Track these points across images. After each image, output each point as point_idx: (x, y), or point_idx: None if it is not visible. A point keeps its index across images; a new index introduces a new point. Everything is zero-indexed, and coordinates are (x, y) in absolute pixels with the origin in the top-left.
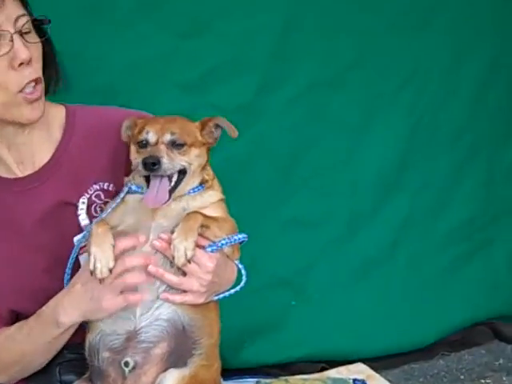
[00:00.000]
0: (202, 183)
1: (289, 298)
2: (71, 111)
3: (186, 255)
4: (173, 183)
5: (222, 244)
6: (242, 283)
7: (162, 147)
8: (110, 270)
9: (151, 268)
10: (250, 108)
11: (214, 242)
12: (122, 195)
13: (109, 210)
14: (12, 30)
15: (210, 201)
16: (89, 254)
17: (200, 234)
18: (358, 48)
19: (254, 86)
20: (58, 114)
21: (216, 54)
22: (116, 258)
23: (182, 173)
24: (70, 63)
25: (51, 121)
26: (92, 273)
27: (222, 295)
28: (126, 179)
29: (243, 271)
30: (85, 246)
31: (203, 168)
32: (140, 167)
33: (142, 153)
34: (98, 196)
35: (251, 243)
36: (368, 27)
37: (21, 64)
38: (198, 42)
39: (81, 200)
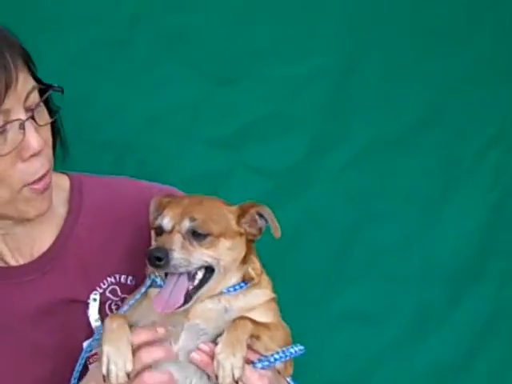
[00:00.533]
0: (246, 280)
1: None
2: (76, 182)
3: (233, 375)
4: (197, 282)
5: (275, 359)
6: None
7: (177, 237)
8: (128, 375)
9: None
10: (299, 172)
11: (266, 357)
12: (143, 289)
13: (126, 307)
14: (23, 117)
15: (257, 302)
16: (101, 354)
17: (248, 346)
18: (430, 100)
19: (303, 144)
20: (60, 185)
21: (256, 105)
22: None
23: (209, 270)
24: (76, 113)
25: (53, 196)
26: (105, 378)
27: None
28: (149, 270)
29: None
30: (96, 354)
31: (244, 262)
32: (147, 261)
33: (157, 242)
34: (113, 291)
35: (299, 340)
36: (443, 75)
37: (32, 155)
38: (233, 90)
39: (92, 296)
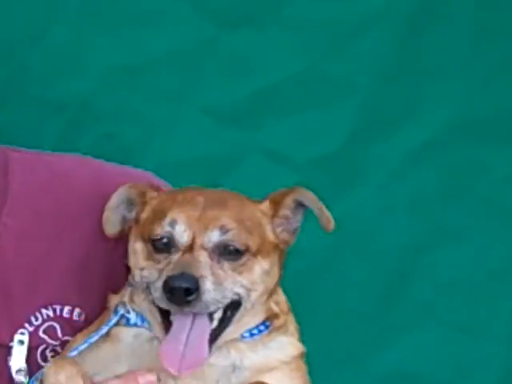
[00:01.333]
0: (268, 319)
1: None
2: (1, 159)
3: None
4: (215, 323)
5: None
6: None
7: (204, 257)
8: None
9: None
10: (336, 164)
11: None
12: (105, 328)
13: (74, 352)
14: None
15: (281, 358)
16: None
17: None
18: None
19: (345, 124)
20: None
21: (280, 61)
22: None
23: (234, 306)
24: (13, 59)
25: None
26: None
27: None
28: (114, 300)
29: None
30: None
31: (271, 293)
32: (158, 293)
33: (160, 262)
34: (50, 331)
35: None
36: None
37: None
38: (247, 36)
39: (16, 337)
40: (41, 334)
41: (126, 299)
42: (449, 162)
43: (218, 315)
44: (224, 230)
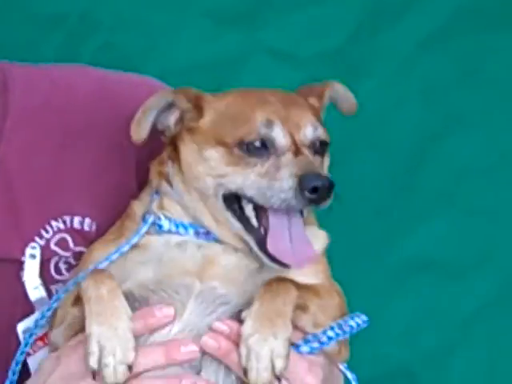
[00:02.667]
0: None
1: None
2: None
3: (273, 367)
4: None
5: (330, 338)
6: None
7: (311, 156)
8: (130, 368)
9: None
10: (342, 57)
11: (315, 335)
12: (135, 237)
13: (112, 257)
14: None
15: None
16: (88, 340)
17: (292, 322)
18: None
19: (349, 16)
20: None
21: None
22: None
23: None
24: None
25: None
26: (95, 375)
27: None
28: (137, 207)
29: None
30: (40, 339)
31: None
32: (288, 194)
33: (256, 165)
34: (61, 243)
35: (352, 306)
36: None
37: None
38: None
39: (28, 251)
40: (52, 246)
41: (154, 207)
42: (458, 48)
43: (306, 212)
44: (314, 126)
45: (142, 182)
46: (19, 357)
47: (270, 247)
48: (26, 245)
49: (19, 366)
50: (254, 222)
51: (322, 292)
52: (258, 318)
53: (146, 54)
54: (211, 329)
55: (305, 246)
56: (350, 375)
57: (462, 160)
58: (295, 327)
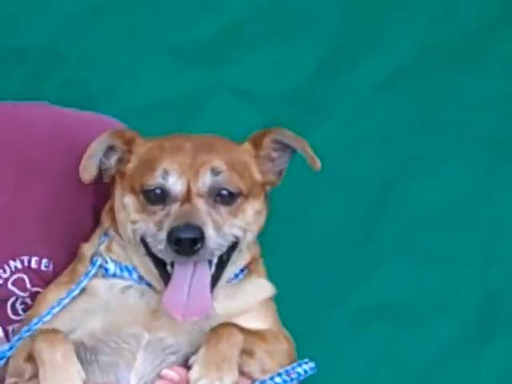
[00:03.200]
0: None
1: None
2: None
3: None
4: (213, 269)
5: None
6: None
7: (202, 205)
8: None
9: None
10: (305, 98)
11: (263, 382)
12: (84, 280)
13: (56, 308)
14: None
15: (256, 300)
16: None
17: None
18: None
19: (313, 56)
20: None
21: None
22: None
23: (231, 249)
24: None
25: None
26: None
27: None
28: (86, 249)
29: None
30: None
31: None
32: (162, 245)
33: (156, 214)
34: (19, 282)
35: (306, 352)
36: None
37: None
38: None
39: None
40: (10, 286)
41: (102, 248)
42: (417, 91)
43: (214, 260)
44: (215, 171)
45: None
46: None
47: (164, 298)
48: None
49: None
50: (169, 268)
51: (269, 337)
52: (204, 362)
53: (110, 91)
54: (160, 376)
55: (201, 299)
56: None
57: (421, 204)
58: (243, 374)
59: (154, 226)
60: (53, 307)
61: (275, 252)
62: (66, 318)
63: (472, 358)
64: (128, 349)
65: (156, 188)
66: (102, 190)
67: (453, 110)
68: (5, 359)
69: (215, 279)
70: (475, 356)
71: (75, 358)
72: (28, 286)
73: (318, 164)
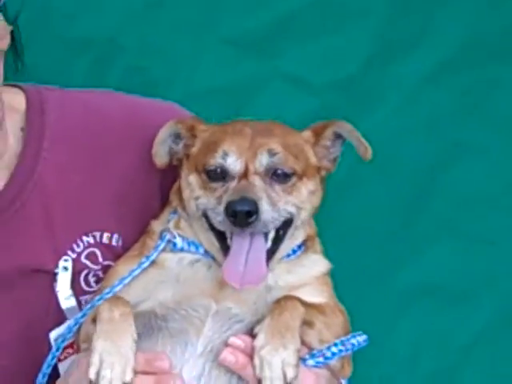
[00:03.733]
0: (303, 241)
1: None
2: (36, 98)
3: (284, 376)
4: (269, 243)
5: (334, 354)
6: None
7: (259, 181)
8: None
9: None
10: (356, 86)
11: (320, 351)
12: (153, 254)
13: (127, 279)
14: None
15: (312, 274)
16: (92, 353)
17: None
18: None
19: (363, 47)
20: (12, 105)
21: None
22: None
23: (286, 224)
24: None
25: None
26: None
27: None
28: (156, 226)
29: None
30: (69, 347)
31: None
32: (220, 217)
33: (217, 190)
34: (91, 256)
35: (356, 327)
36: None
37: None
38: None
39: (61, 264)
40: (83, 259)
41: (170, 225)
42: (463, 81)
43: (271, 235)
44: (272, 153)
45: (166, 202)
46: (50, 361)
47: (223, 267)
48: (59, 258)
49: (50, 369)
50: (229, 242)
51: (327, 310)
52: (268, 331)
53: (169, 79)
54: (227, 344)
55: (257, 269)
56: None
57: (465, 189)
58: (302, 343)
59: (214, 200)
60: (124, 278)
61: (329, 234)
62: (138, 288)
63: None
64: (197, 317)
65: (216, 167)
66: (169, 172)
67: (497, 99)
68: (78, 325)
69: (272, 252)
70: None
71: (132, 320)
72: (100, 259)
73: (369, 154)
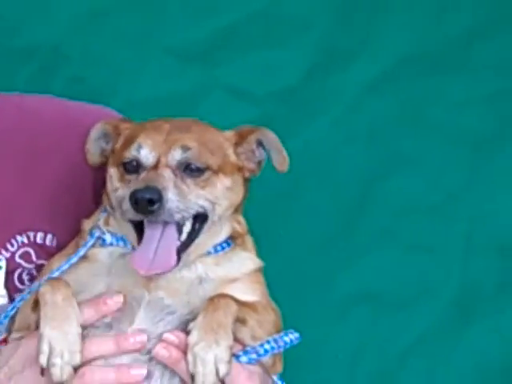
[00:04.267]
0: (231, 238)
1: None
2: None
3: (217, 372)
4: (184, 236)
5: (266, 351)
6: None
7: (167, 173)
8: (76, 369)
9: None
10: (296, 96)
11: (253, 348)
12: (82, 250)
13: (63, 267)
14: None
15: (243, 270)
16: (40, 340)
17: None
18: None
19: (304, 57)
20: None
21: (243, 1)
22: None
23: (201, 218)
24: None
25: None
26: (43, 372)
27: None
28: (87, 224)
29: None
30: (1, 342)
31: (236, 211)
32: (126, 206)
33: (131, 181)
34: (25, 256)
35: (301, 332)
36: None
37: None
38: None
39: None
40: (17, 258)
41: (100, 223)
42: (403, 92)
43: (186, 228)
44: (185, 148)
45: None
46: None
47: (133, 254)
48: None
49: None
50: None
51: (260, 308)
52: (202, 328)
53: (112, 88)
54: (162, 339)
55: (166, 257)
56: None
57: (403, 198)
58: (236, 340)
59: (128, 191)
60: (52, 273)
61: (266, 241)
62: (71, 282)
63: (450, 343)
64: (130, 308)
65: (131, 160)
66: (102, 173)
67: (436, 111)
68: (8, 318)
69: (186, 245)
70: (453, 341)
71: (75, 302)
72: (34, 258)
73: (286, 166)
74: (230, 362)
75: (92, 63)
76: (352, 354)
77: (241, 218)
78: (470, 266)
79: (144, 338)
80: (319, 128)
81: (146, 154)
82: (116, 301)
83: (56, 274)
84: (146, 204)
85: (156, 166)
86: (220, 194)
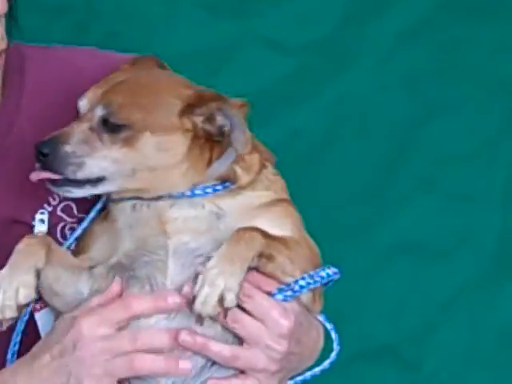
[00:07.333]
0: (228, 179)
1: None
2: (15, 56)
3: (222, 298)
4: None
5: (302, 287)
6: (333, 355)
7: (80, 128)
8: (22, 307)
9: (185, 337)
10: (331, 46)
11: (288, 285)
12: (97, 206)
13: (77, 232)
14: None
15: (259, 201)
16: None
17: (259, 270)
18: None
19: (338, 7)
20: None
21: None
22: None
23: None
24: None
25: None
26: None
27: (301, 378)
28: None
29: (333, 334)
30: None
31: (208, 164)
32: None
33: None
34: (67, 209)
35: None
36: None
37: None
38: None
39: (37, 216)
40: (59, 212)
41: None
42: (439, 39)
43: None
44: (107, 104)
45: None
46: (23, 318)
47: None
48: (35, 211)
49: (23, 326)
50: None
51: (292, 244)
52: (220, 257)
53: (146, 42)
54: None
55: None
56: (328, 325)
57: (442, 147)
58: (268, 275)
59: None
60: (75, 230)
61: (305, 191)
62: (97, 242)
63: (490, 293)
64: (159, 259)
65: (77, 111)
66: None
67: (473, 57)
68: None
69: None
70: (494, 291)
71: (41, 250)
72: (75, 212)
73: (244, 148)
74: (237, 297)
75: (125, 18)
76: (393, 305)
77: (252, 161)
78: (510, 215)
79: (179, 300)
80: (355, 78)
81: (82, 106)
82: (175, 301)
83: (78, 232)
84: (38, 154)
85: (79, 119)
86: (142, 153)
